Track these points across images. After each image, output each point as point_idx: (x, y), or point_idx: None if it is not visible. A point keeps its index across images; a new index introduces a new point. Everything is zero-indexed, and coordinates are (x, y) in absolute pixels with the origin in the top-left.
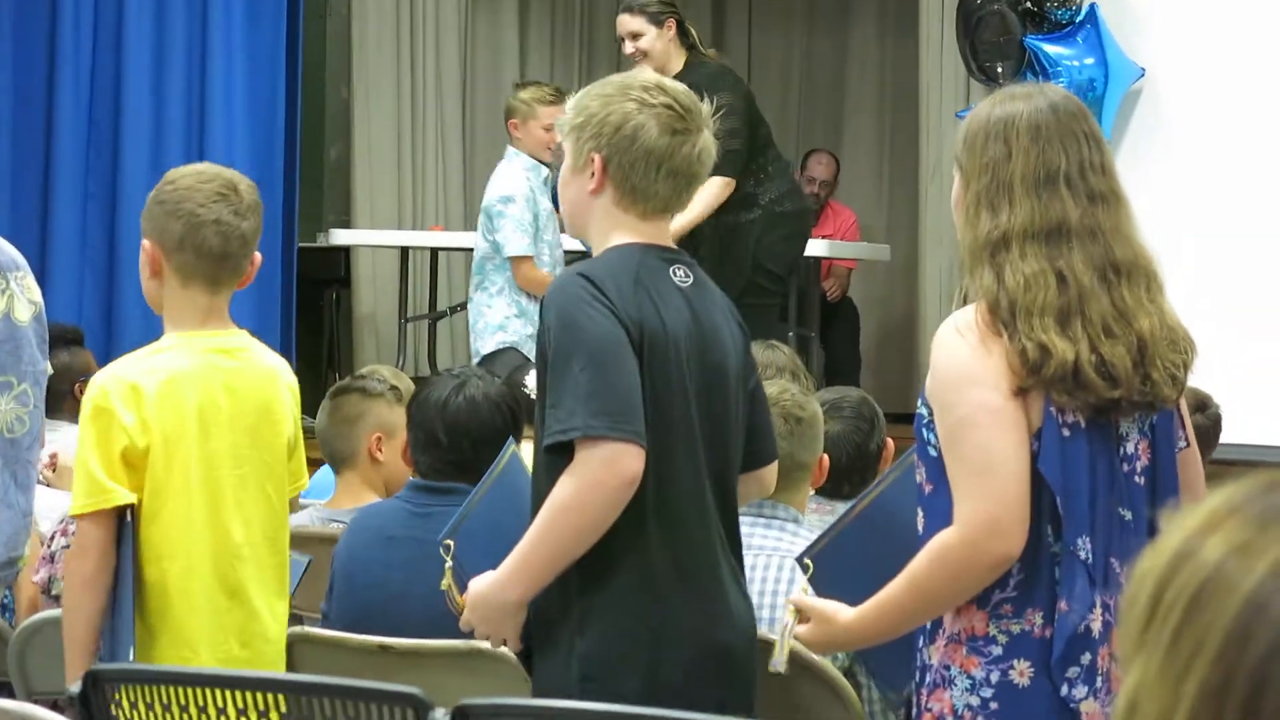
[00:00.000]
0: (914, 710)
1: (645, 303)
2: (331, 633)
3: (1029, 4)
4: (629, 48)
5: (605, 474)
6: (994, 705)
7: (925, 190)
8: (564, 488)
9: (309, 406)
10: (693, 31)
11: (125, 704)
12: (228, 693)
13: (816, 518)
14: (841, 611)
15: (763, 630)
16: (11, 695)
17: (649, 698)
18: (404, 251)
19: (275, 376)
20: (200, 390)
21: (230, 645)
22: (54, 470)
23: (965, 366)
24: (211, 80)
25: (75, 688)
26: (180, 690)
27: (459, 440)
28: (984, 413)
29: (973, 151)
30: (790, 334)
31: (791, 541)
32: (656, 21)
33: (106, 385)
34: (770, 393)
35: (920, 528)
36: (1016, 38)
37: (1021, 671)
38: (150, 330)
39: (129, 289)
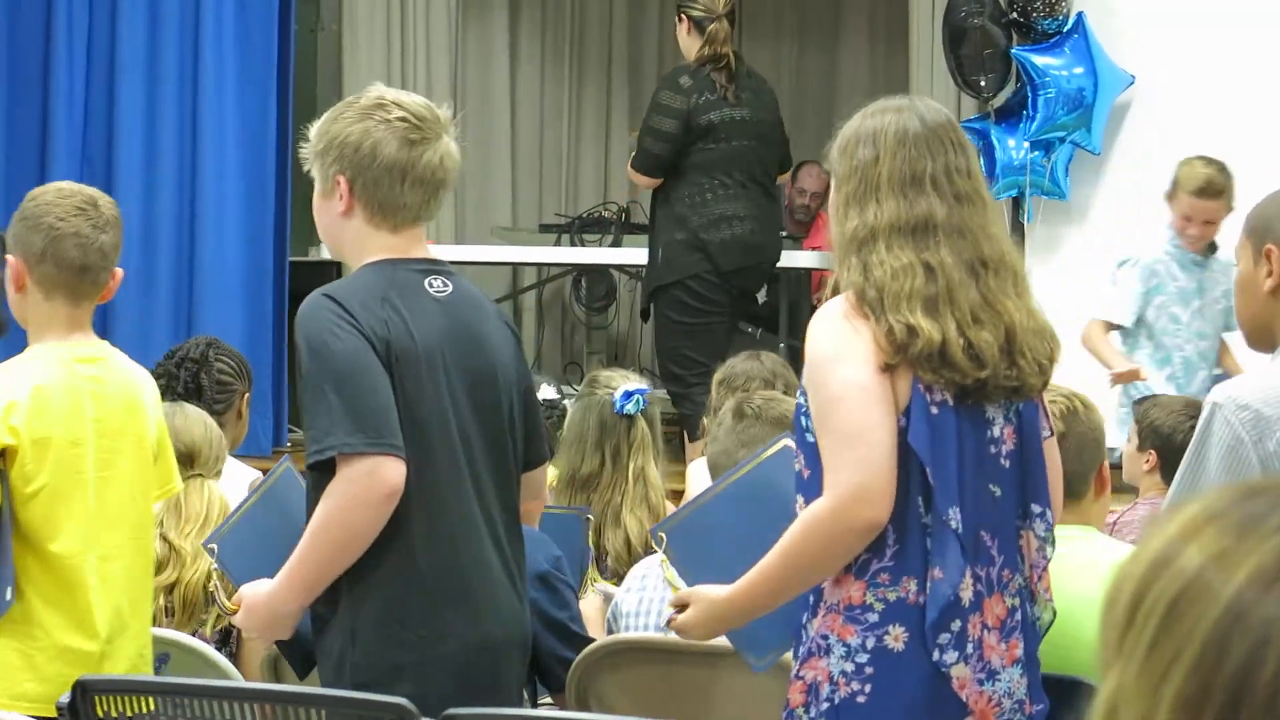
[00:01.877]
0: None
1: (393, 318)
2: None
3: (1015, 15)
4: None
5: (367, 488)
6: (869, 670)
7: None
8: (327, 503)
9: (296, 418)
10: (716, 38)
11: (114, 712)
12: (213, 703)
13: None
14: (713, 590)
15: None
16: None
17: (422, 703)
18: None
19: (138, 384)
20: (67, 397)
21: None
22: None
23: (834, 347)
24: (203, 96)
25: (64, 698)
26: (168, 700)
27: None
28: (852, 388)
29: (843, 157)
30: (781, 345)
31: None
32: (678, 13)
33: None
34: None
35: (798, 511)
36: (1000, 51)
37: (896, 637)
38: (144, 345)
39: (124, 313)
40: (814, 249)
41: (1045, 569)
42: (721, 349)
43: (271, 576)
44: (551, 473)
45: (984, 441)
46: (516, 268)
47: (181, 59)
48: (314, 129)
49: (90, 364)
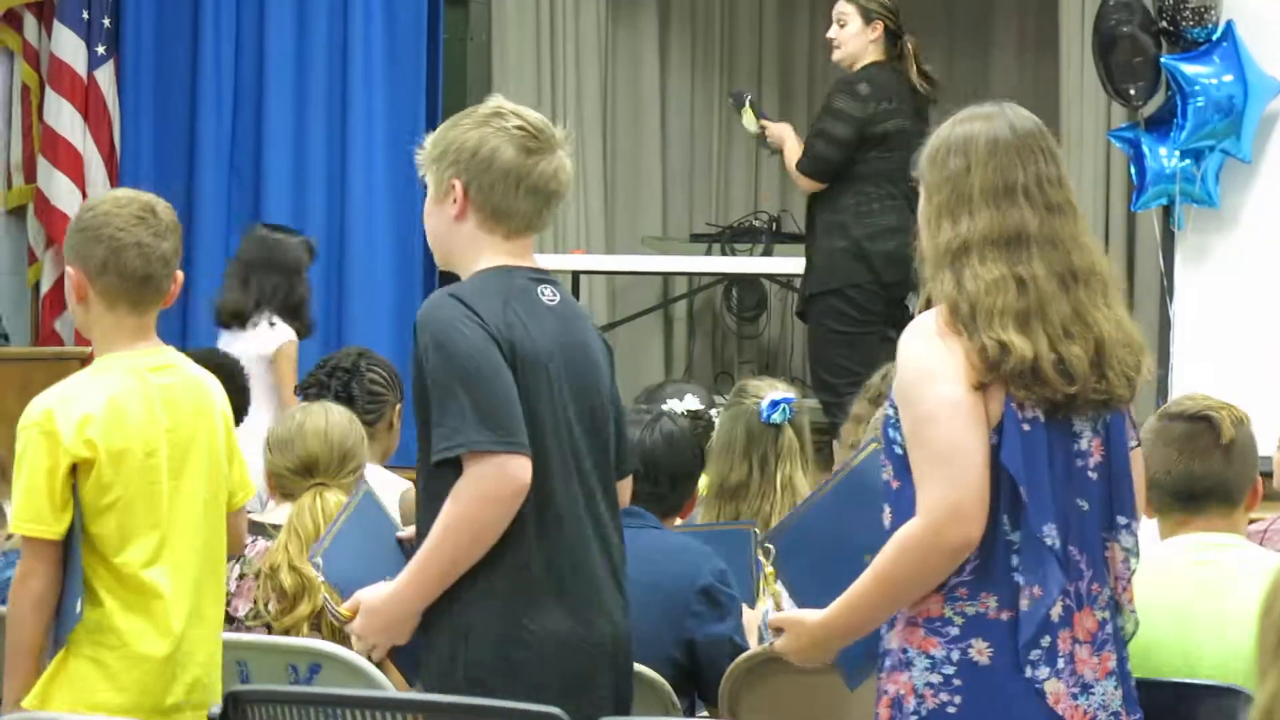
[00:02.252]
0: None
1: (515, 321)
2: None
3: (1164, 24)
4: (833, 30)
5: (496, 486)
6: (957, 682)
7: None
8: (457, 502)
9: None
10: (908, 46)
11: None
12: (368, 713)
13: None
14: (809, 615)
15: None
16: None
17: (534, 699)
18: None
19: (208, 390)
20: (142, 408)
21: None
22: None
23: (927, 364)
24: (351, 108)
25: (216, 709)
26: (319, 710)
27: (657, 475)
28: (945, 406)
29: (934, 166)
30: None
31: None
32: (866, 17)
33: (51, 408)
34: None
35: (886, 523)
36: (1150, 59)
37: (980, 650)
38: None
39: None
40: None
41: (1130, 580)
42: (875, 358)
43: (371, 583)
44: (701, 482)
45: (1072, 456)
46: (667, 277)
47: (330, 71)
48: (429, 137)
49: (161, 373)
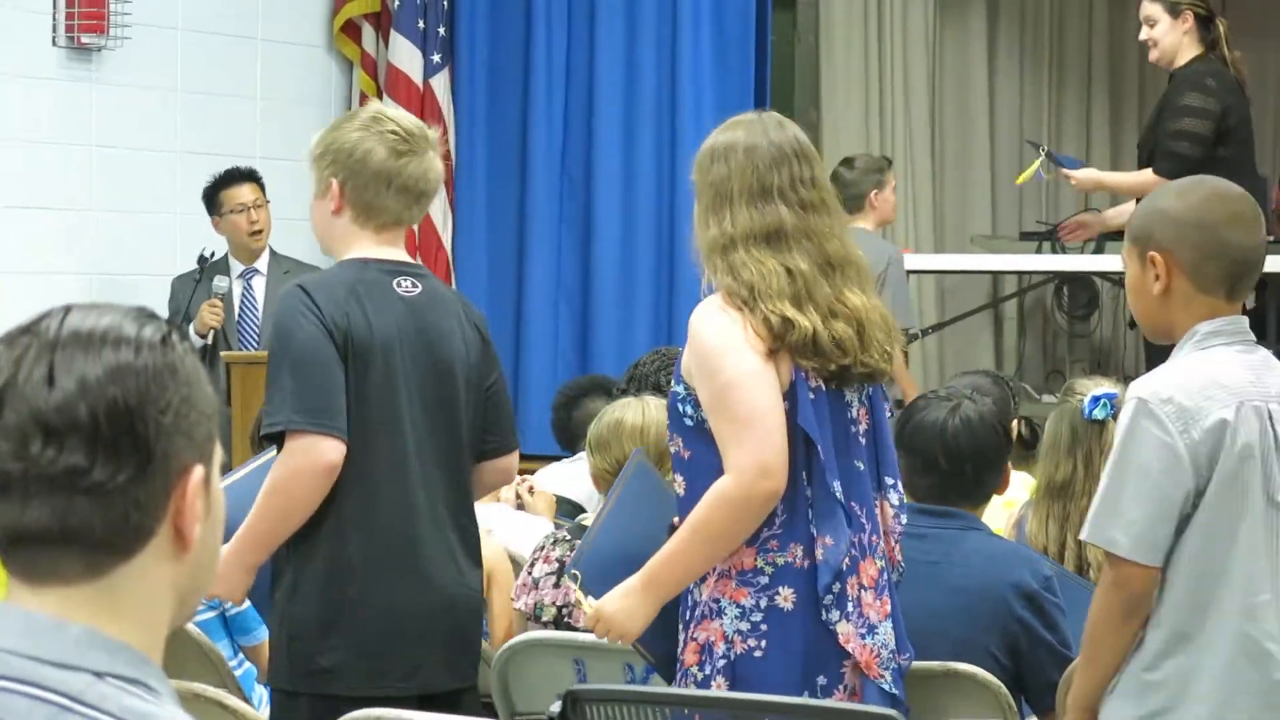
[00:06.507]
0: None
1: (354, 311)
2: None
3: None
4: (1144, 33)
5: (306, 462)
6: (764, 628)
7: None
8: (274, 473)
9: None
10: (1219, 28)
11: None
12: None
13: None
14: (625, 582)
15: None
16: (493, 715)
17: (346, 658)
18: None
19: None
20: None
21: None
22: (531, 494)
23: (723, 338)
24: (680, 113)
25: (555, 708)
26: (655, 710)
27: (960, 462)
28: (744, 374)
29: (701, 172)
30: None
31: None
32: (1173, 12)
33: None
34: None
35: (680, 490)
36: None
37: (786, 598)
38: (623, 356)
39: (603, 330)
40: None
41: (899, 535)
42: None
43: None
44: (1030, 482)
45: (846, 421)
46: (996, 276)
47: (659, 76)
48: (315, 138)
49: None
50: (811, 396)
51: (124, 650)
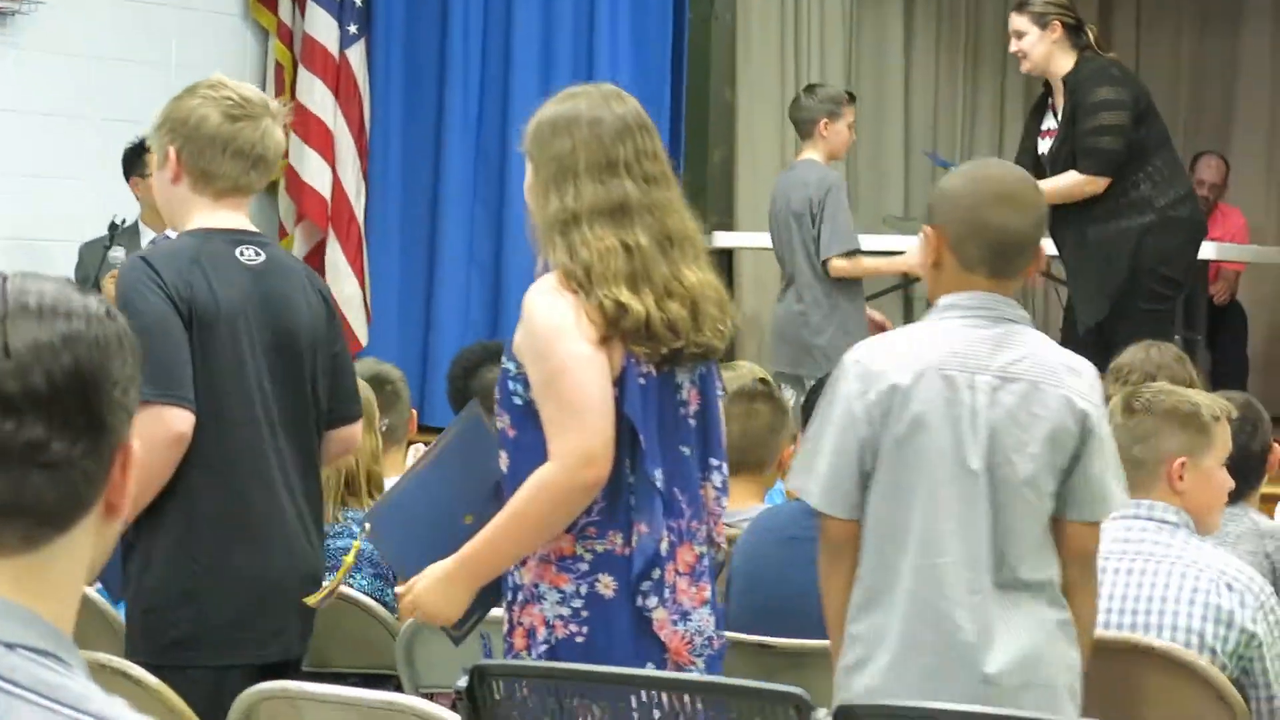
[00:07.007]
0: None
1: (197, 281)
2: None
3: None
4: (1013, 45)
5: (153, 432)
6: (585, 614)
7: None
8: None
9: None
10: (1089, 32)
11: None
12: (599, 688)
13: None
14: (441, 564)
15: (1148, 637)
16: (399, 689)
17: (202, 627)
18: None
19: None
20: None
21: None
22: None
23: (556, 322)
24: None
25: (463, 682)
26: (561, 684)
27: None
28: (575, 360)
29: (539, 144)
30: (1176, 337)
31: (1178, 549)
32: (1040, 22)
33: None
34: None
35: (504, 466)
36: None
37: (606, 585)
38: None
39: (514, 292)
40: (1212, 240)
41: (720, 517)
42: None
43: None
44: None
45: (676, 405)
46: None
47: (576, 51)
48: (156, 112)
49: None
50: (641, 383)
51: (36, 622)
